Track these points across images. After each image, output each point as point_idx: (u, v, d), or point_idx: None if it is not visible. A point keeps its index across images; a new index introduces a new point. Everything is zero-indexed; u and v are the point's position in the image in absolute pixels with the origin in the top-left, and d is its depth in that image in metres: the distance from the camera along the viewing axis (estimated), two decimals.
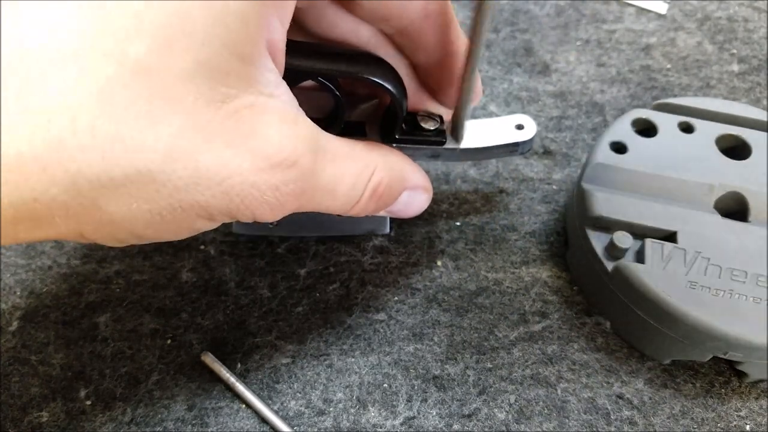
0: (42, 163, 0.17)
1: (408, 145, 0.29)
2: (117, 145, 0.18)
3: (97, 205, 0.18)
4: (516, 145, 0.31)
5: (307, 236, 0.34)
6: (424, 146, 0.30)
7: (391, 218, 0.33)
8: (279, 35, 0.21)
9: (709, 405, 0.29)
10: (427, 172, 0.36)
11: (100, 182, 0.18)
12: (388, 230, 0.34)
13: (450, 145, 0.30)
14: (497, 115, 0.40)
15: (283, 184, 0.21)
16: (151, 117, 0.18)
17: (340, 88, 0.26)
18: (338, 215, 0.25)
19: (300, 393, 0.29)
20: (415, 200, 0.29)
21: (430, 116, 0.29)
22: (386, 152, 0.27)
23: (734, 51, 0.44)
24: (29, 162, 0.17)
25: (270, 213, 0.21)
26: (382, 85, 0.26)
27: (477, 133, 0.31)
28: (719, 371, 0.30)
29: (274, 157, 0.20)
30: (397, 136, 0.29)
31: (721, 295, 0.27)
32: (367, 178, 0.25)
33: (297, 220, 0.31)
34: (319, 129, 0.23)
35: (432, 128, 0.29)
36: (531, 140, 0.31)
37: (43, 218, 0.18)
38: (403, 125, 0.29)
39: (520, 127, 0.31)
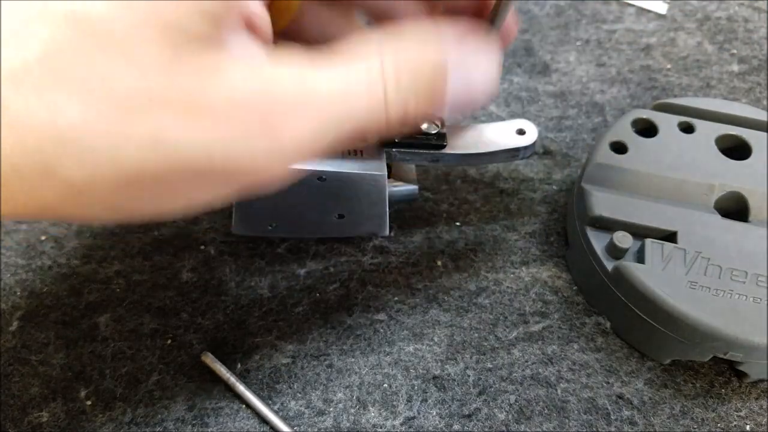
0: None
1: (408, 150, 0.29)
2: (65, 102, 0.16)
3: (51, 168, 0.17)
4: (517, 150, 0.31)
5: (307, 237, 0.34)
6: (425, 150, 0.29)
7: (390, 220, 0.33)
8: (257, 9, 0.20)
9: (709, 405, 0.29)
10: (427, 172, 0.37)
11: (49, 138, 0.17)
12: (387, 232, 0.34)
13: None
14: (497, 115, 0.40)
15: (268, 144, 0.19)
16: (106, 75, 0.17)
17: None
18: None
19: (300, 393, 0.29)
20: (472, 69, 0.21)
21: (431, 120, 0.29)
22: (390, 36, 0.21)
23: (734, 51, 0.44)
24: None
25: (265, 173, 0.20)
26: None
27: (478, 138, 0.31)
28: (719, 371, 0.30)
29: (239, 117, 0.18)
30: (396, 140, 0.29)
31: (721, 295, 0.27)
32: (379, 77, 0.20)
33: (297, 220, 0.31)
34: (300, 67, 0.20)
35: (433, 132, 0.29)
36: (532, 145, 0.31)
37: None
38: None
39: (521, 132, 0.31)
